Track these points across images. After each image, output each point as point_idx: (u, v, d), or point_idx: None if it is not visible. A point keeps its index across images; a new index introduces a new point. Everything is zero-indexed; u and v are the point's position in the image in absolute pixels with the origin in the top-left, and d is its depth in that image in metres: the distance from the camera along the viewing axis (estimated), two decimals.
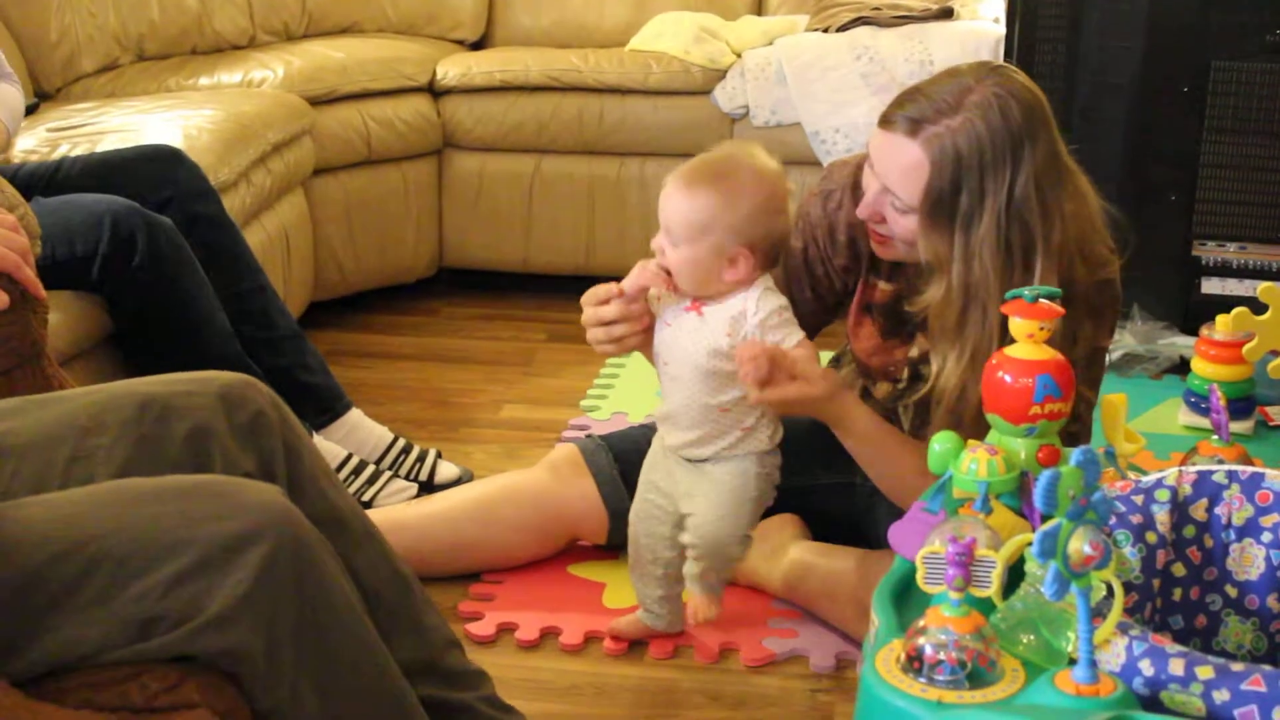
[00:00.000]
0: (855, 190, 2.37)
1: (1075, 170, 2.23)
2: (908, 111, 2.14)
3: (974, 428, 1.98)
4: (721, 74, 4.28)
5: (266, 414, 1.84)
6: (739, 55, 4.33)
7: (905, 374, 2.46)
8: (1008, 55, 3.84)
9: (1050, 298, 1.83)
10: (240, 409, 1.81)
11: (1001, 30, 4.06)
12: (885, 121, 2.18)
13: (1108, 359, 3.76)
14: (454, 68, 4.38)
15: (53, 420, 1.76)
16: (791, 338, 2.21)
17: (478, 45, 4.87)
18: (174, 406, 1.77)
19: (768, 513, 2.62)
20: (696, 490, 2.30)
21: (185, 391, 1.80)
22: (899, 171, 2.15)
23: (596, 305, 2.27)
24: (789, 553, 2.62)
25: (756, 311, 2.20)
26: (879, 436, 2.34)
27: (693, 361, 2.22)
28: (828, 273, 2.47)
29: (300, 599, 1.56)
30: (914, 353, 2.43)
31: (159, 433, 1.74)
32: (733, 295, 2.21)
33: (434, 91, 4.38)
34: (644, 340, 2.29)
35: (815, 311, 2.51)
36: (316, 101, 4.07)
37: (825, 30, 4.35)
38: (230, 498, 1.58)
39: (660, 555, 2.39)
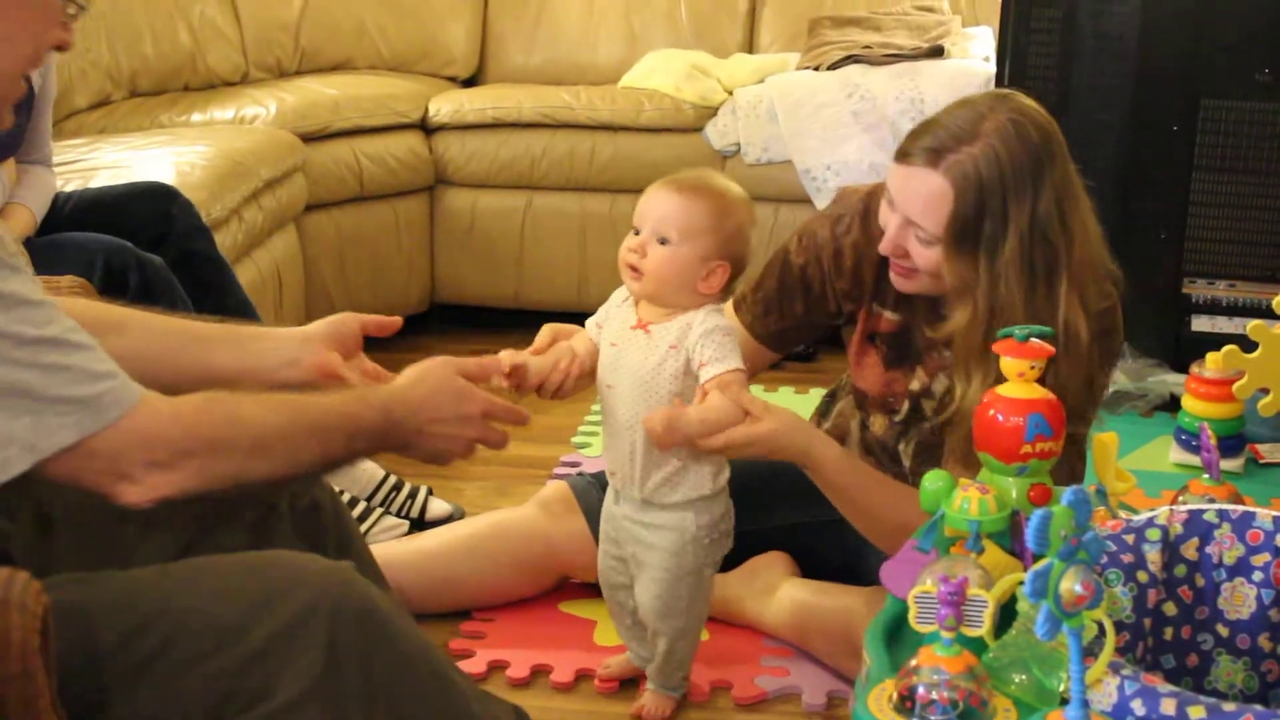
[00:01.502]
0: (866, 217, 2.39)
1: (1084, 192, 2.26)
2: (925, 143, 2.16)
3: None
4: (713, 111, 4.30)
5: (323, 507, 1.87)
6: (730, 93, 4.35)
7: (905, 407, 2.46)
8: None
9: (1042, 336, 1.84)
10: (299, 497, 1.85)
11: (992, 69, 4.09)
12: (903, 155, 2.19)
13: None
14: (446, 104, 4.39)
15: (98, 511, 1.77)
16: (722, 364, 2.17)
17: (470, 82, 4.89)
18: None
19: (758, 550, 2.63)
20: (640, 560, 2.29)
21: None
22: (922, 202, 2.16)
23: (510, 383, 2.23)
24: (780, 590, 2.62)
25: (701, 323, 2.18)
26: (852, 473, 2.33)
27: (637, 376, 2.21)
28: (824, 294, 2.49)
29: (369, 671, 1.55)
30: (914, 385, 2.43)
31: (228, 516, 1.76)
32: (681, 314, 2.21)
33: (426, 128, 4.39)
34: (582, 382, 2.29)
35: (800, 326, 2.54)
36: (309, 138, 4.09)
37: (816, 68, 4.37)
38: (298, 574, 1.57)
39: (626, 604, 2.39)
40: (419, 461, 1.89)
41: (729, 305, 2.57)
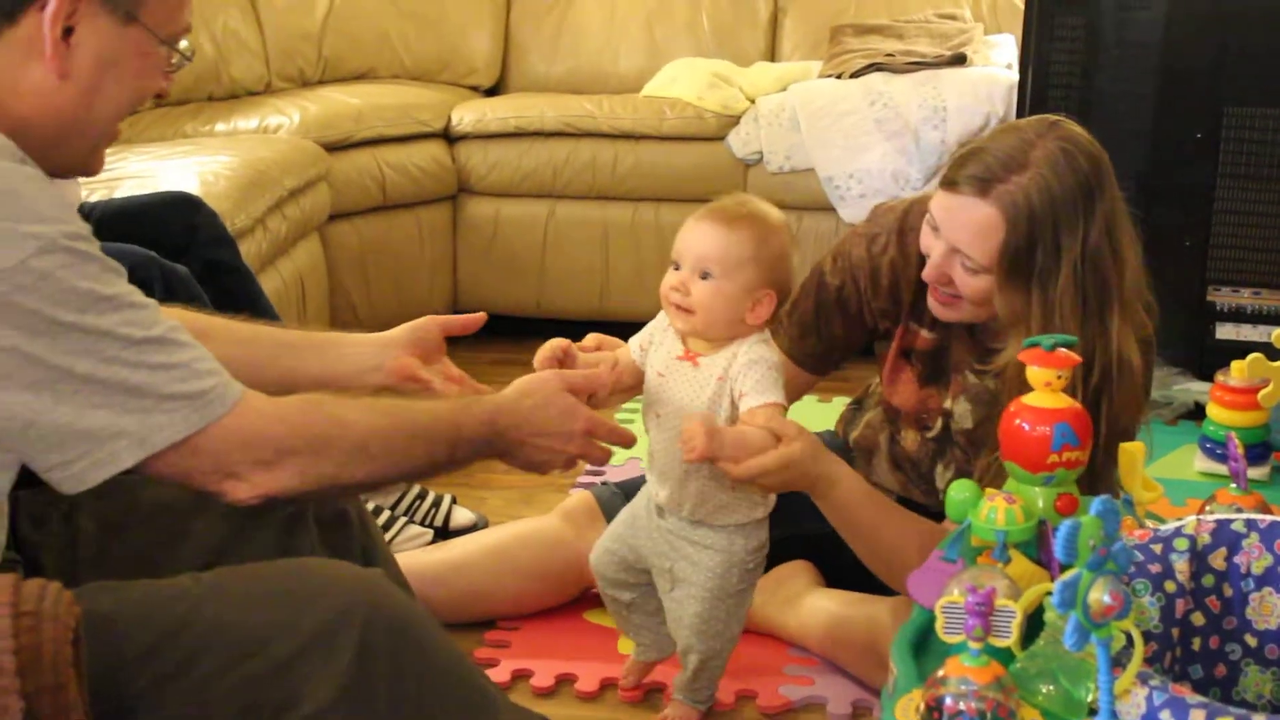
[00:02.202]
0: (902, 235, 2.38)
1: (1130, 221, 2.23)
2: (972, 170, 2.13)
3: None
4: (735, 120, 4.30)
5: (350, 518, 1.89)
6: (753, 101, 4.35)
7: (938, 423, 2.45)
8: (1020, 102, 3.86)
9: (1068, 346, 1.83)
10: (325, 507, 1.87)
11: (1014, 77, 4.08)
12: (949, 184, 2.16)
13: None
14: (469, 114, 4.40)
15: (150, 500, 1.77)
16: (761, 396, 2.14)
17: (492, 91, 4.90)
18: None
19: (781, 560, 2.62)
20: (681, 576, 2.28)
21: None
22: (970, 232, 2.13)
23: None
24: (804, 600, 2.62)
25: (746, 354, 2.15)
26: (869, 502, 2.28)
27: (689, 410, 2.17)
28: (862, 312, 2.47)
29: (399, 679, 1.55)
30: (948, 403, 2.42)
31: (254, 525, 1.78)
32: (728, 345, 2.18)
33: (449, 137, 4.40)
34: (618, 396, 2.27)
35: (839, 347, 2.53)
36: (332, 147, 4.10)
37: (839, 76, 4.37)
38: (329, 581, 1.58)
39: (620, 598, 2.38)
40: (518, 469, 1.93)
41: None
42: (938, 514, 2.40)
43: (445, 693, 1.62)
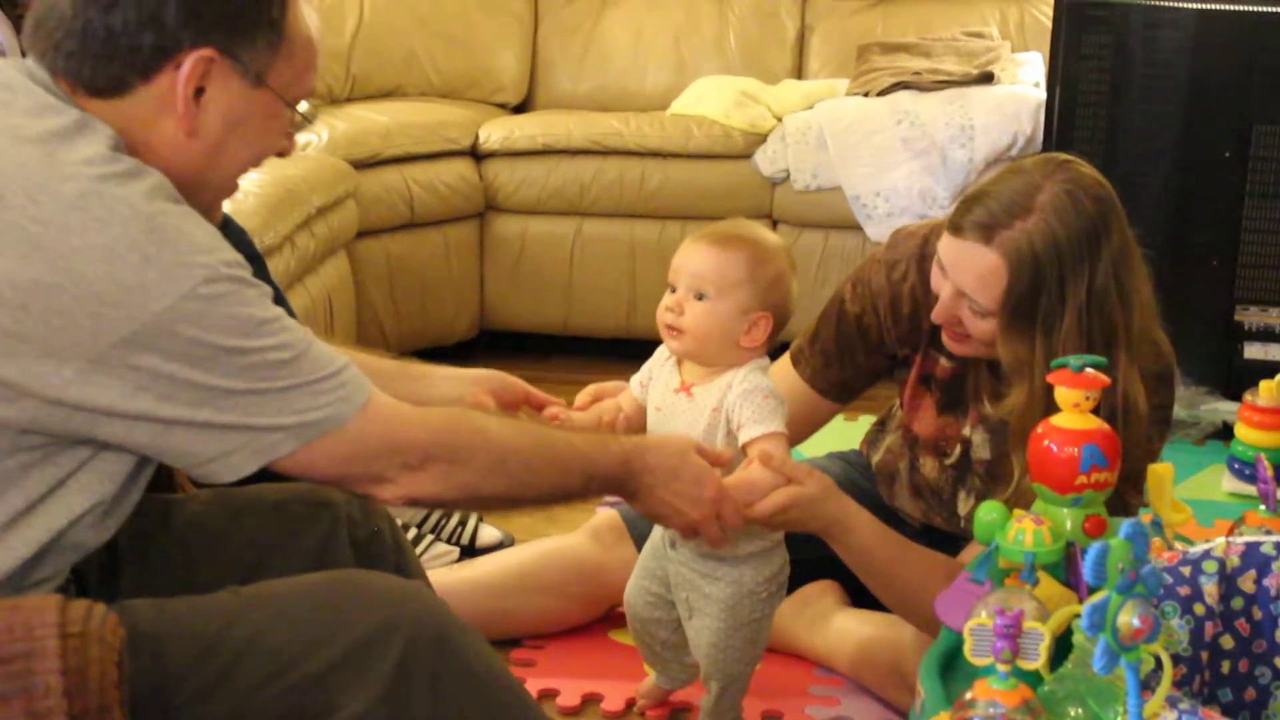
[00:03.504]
0: (921, 262, 2.36)
1: (1141, 260, 2.21)
2: (977, 217, 2.12)
3: None
4: (762, 138, 4.31)
5: (383, 536, 1.92)
6: (780, 119, 4.36)
7: (957, 450, 2.44)
8: (1048, 120, 3.85)
9: (1096, 366, 1.83)
10: (359, 526, 1.90)
11: (1042, 95, 4.08)
12: (955, 229, 2.15)
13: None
14: (496, 131, 4.41)
15: (183, 520, 1.81)
16: (759, 426, 2.12)
17: (520, 109, 4.92)
18: (302, 517, 1.87)
19: (807, 579, 2.61)
20: (695, 606, 2.27)
21: (312, 501, 1.89)
22: (975, 278, 2.13)
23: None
24: (830, 620, 2.61)
25: (741, 383, 2.14)
26: (885, 545, 2.27)
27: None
28: (883, 340, 2.46)
29: (439, 689, 1.58)
30: (966, 430, 2.41)
31: (289, 543, 1.81)
32: (723, 374, 2.17)
33: (476, 155, 4.41)
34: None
35: (862, 375, 2.52)
36: (360, 165, 4.11)
37: (866, 94, 4.37)
38: (371, 592, 1.62)
39: (657, 635, 2.38)
40: (640, 512, 2.02)
41: (787, 359, 2.56)
42: (959, 539, 2.41)
43: (488, 706, 1.63)
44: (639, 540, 2.62)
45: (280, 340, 1.56)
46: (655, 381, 2.25)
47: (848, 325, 2.47)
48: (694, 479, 1.98)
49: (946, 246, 2.17)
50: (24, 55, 1.66)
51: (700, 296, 2.15)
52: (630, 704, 2.53)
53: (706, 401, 2.16)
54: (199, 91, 1.60)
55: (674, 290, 2.19)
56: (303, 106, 1.75)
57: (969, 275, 2.13)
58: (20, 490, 1.52)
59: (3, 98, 1.56)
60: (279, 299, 3.06)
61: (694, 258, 2.17)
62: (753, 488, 2.09)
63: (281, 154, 1.75)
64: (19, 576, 1.53)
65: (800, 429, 2.54)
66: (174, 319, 1.48)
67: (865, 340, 2.47)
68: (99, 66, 1.57)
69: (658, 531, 2.33)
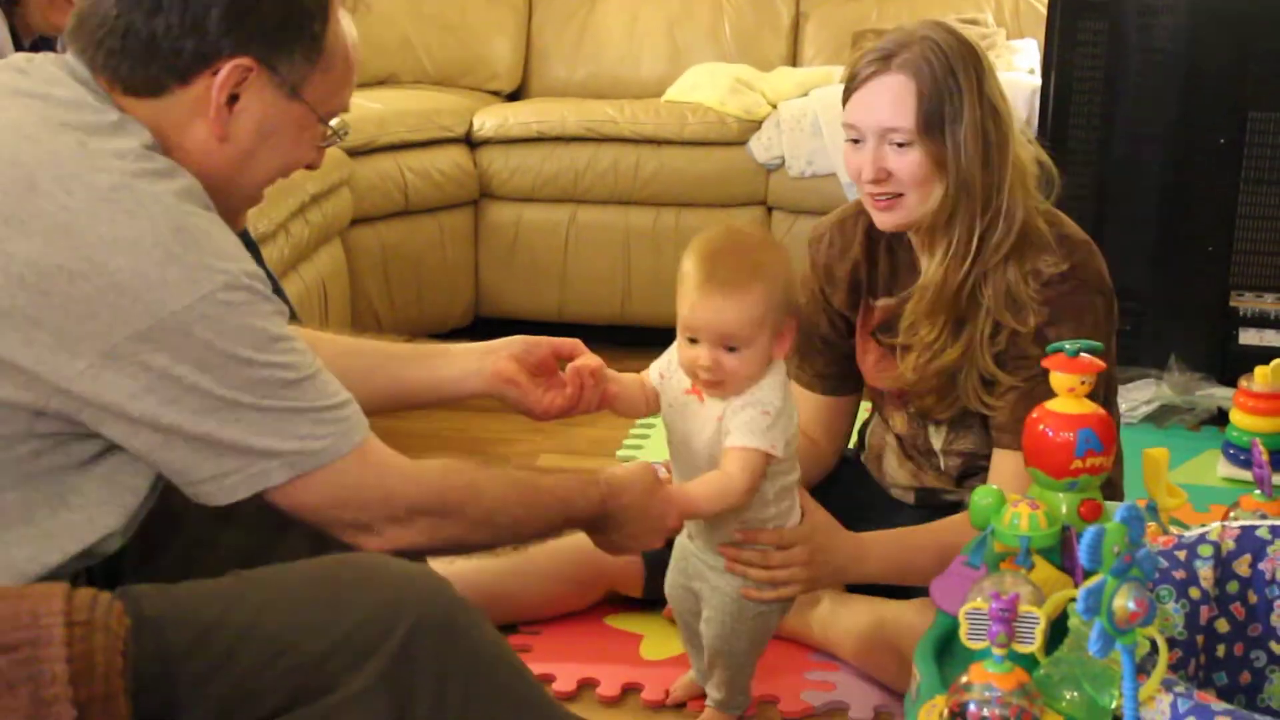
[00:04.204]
0: (841, 225, 2.53)
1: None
2: (872, 56, 2.31)
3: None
4: (757, 125, 4.30)
5: None
6: (774, 106, 4.35)
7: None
8: (1044, 107, 3.85)
9: (1091, 352, 1.83)
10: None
11: (1037, 81, 4.07)
12: (853, 79, 2.34)
13: (1146, 409, 3.76)
14: (491, 119, 4.40)
15: (181, 507, 1.81)
16: (739, 438, 2.09)
17: (514, 96, 4.91)
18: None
19: None
20: (704, 597, 2.28)
21: None
22: (889, 103, 2.28)
23: None
24: (826, 604, 2.61)
25: (748, 395, 2.12)
26: (901, 549, 2.39)
27: (696, 447, 2.16)
28: (831, 319, 2.57)
29: (442, 675, 1.58)
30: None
31: (290, 528, 1.80)
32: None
33: (471, 142, 4.41)
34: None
35: (841, 358, 2.60)
36: (354, 153, 4.10)
37: None
38: (374, 575, 1.62)
39: (692, 626, 2.38)
40: (599, 545, 2.06)
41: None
42: (958, 503, 2.48)
43: (494, 687, 1.63)
44: None
45: (289, 360, 1.57)
46: (670, 378, 2.21)
47: (804, 317, 2.51)
48: (659, 514, 2.03)
49: (855, 102, 2.33)
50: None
51: (731, 349, 2.10)
52: (627, 689, 2.53)
53: (714, 410, 2.13)
54: (233, 99, 1.62)
55: (694, 341, 2.11)
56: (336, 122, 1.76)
57: (883, 103, 2.29)
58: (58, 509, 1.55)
59: (42, 90, 1.58)
60: (275, 288, 3.07)
61: (711, 316, 2.09)
62: (687, 496, 2.10)
63: (310, 167, 1.76)
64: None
65: (817, 429, 2.65)
66: (190, 320, 1.49)
67: (821, 320, 2.57)
68: (137, 67, 1.60)
69: (688, 524, 2.33)
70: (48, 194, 1.49)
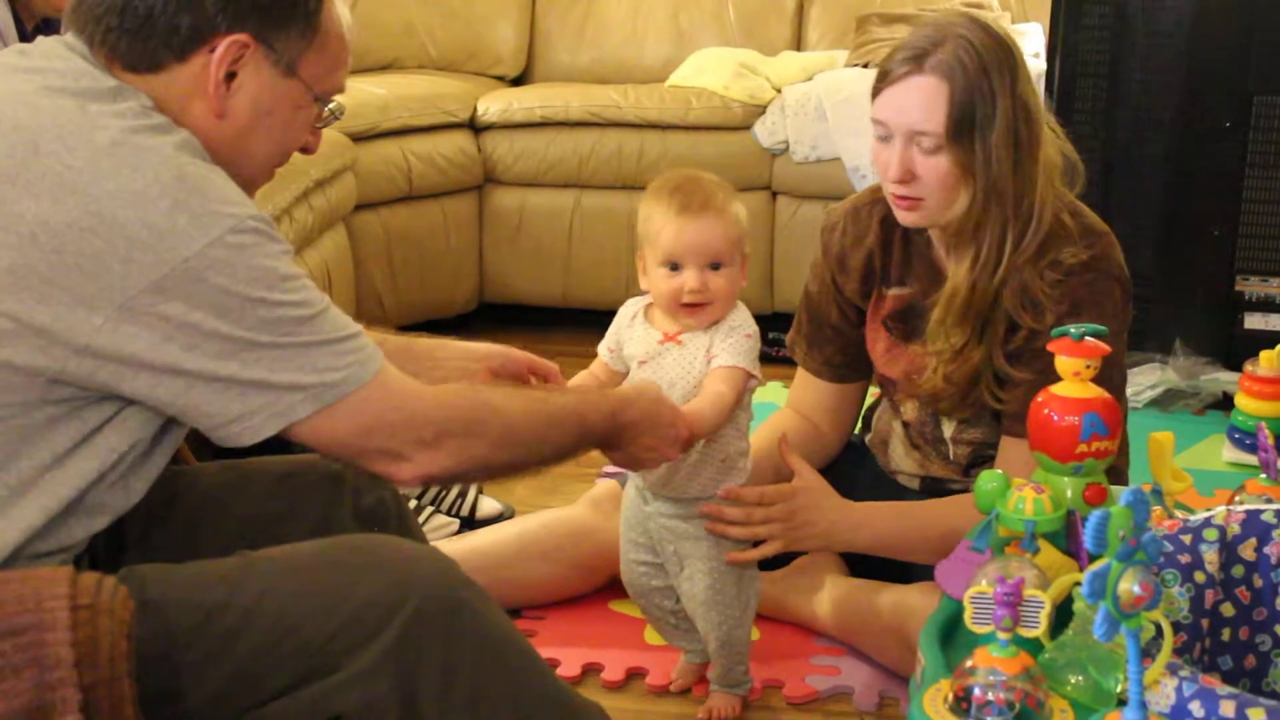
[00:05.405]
0: (855, 213, 2.51)
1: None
2: (903, 56, 2.27)
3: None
4: (761, 109, 4.30)
5: (387, 505, 1.95)
6: (779, 91, 4.34)
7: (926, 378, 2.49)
8: (1048, 90, 3.84)
9: (1097, 335, 1.83)
10: (364, 495, 1.93)
11: (1042, 66, 4.06)
12: (884, 78, 2.29)
13: (1151, 393, 3.75)
14: (495, 104, 4.40)
15: (187, 487, 1.84)
16: (727, 358, 2.20)
17: (518, 81, 4.91)
18: (308, 487, 1.89)
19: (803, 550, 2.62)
20: (683, 554, 2.32)
21: (318, 472, 1.92)
22: (919, 105, 2.24)
23: None
24: (829, 587, 2.62)
25: (728, 323, 2.22)
26: (899, 520, 2.42)
27: (683, 389, 2.21)
28: (842, 308, 2.57)
29: (449, 655, 1.59)
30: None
31: (294, 512, 1.84)
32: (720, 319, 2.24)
33: (475, 127, 4.40)
34: None
35: (851, 346, 2.60)
36: (358, 138, 4.10)
37: (865, 65, 4.36)
38: (379, 556, 1.64)
39: (664, 605, 2.39)
40: (617, 463, 2.09)
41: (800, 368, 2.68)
42: (959, 482, 2.51)
43: (501, 668, 1.64)
44: None
45: (301, 297, 1.59)
46: (628, 341, 2.28)
47: (815, 303, 2.59)
48: (670, 421, 2.06)
49: (885, 100, 2.29)
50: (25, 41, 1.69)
51: (716, 267, 2.19)
52: (631, 674, 2.54)
53: (699, 345, 2.22)
54: (231, 75, 1.64)
55: (676, 268, 2.20)
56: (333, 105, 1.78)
57: (913, 105, 2.25)
58: (47, 444, 1.55)
59: (40, 64, 1.61)
60: None
61: (697, 235, 2.20)
62: (691, 409, 2.14)
63: (306, 150, 1.77)
64: (43, 537, 1.55)
65: (824, 416, 2.67)
66: (202, 266, 1.51)
67: (833, 307, 2.57)
68: (135, 43, 1.62)
69: (629, 502, 2.37)
70: (51, 153, 1.51)
